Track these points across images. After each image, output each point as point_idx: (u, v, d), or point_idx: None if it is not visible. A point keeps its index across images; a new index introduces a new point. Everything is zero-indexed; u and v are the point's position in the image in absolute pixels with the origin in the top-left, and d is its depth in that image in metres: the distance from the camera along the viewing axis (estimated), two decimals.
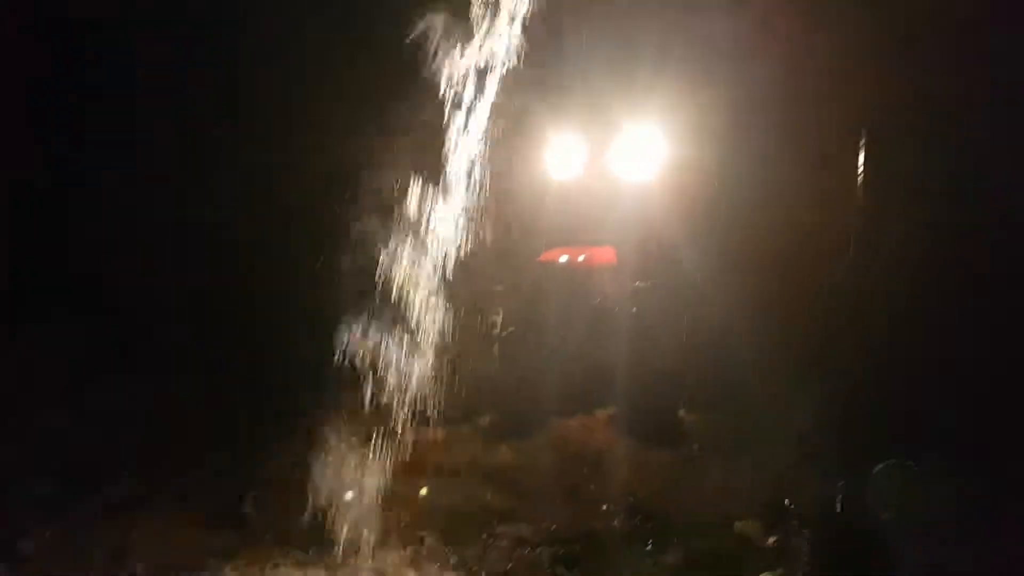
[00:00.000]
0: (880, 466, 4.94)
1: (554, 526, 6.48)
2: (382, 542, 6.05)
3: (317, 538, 6.12)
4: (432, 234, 7.32)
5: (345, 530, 6.00)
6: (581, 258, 10.26)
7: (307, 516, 6.65)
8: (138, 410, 8.95)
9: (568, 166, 10.26)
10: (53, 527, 6.67)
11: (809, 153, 8.98)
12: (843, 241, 7.56)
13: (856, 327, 5.42)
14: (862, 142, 7.66)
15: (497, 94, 7.59)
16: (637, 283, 9.73)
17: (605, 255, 10.24)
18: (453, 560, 5.96)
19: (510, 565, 5.87)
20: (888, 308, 7.17)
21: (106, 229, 9.50)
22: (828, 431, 6.48)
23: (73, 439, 8.19)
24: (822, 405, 7.04)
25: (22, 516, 6.92)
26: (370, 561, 5.77)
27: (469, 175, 7.54)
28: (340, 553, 5.88)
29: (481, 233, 7.68)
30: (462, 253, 7.37)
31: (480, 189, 7.58)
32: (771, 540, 6.00)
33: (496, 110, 7.61)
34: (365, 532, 5.95)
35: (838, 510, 4.96)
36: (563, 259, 10.25)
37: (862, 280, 5.43)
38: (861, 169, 5.11)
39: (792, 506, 6.26)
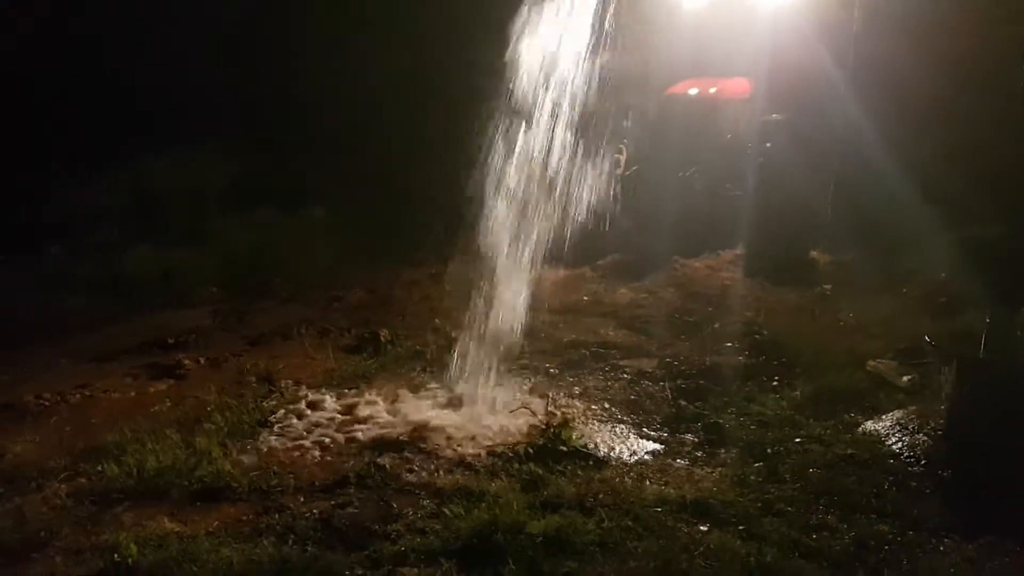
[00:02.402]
0: None
1: (676, 361, 6.47)
2: (507, 371, 6.22)
3: (447, 366, 6.36)
4: (552, 68, 7.01)
5: (472, 359, 6.19)
6: (712, 90, 9.73)
7: (436, 347, 6.94)
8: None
9: None
10: (205, 355, 7.23)
11: None
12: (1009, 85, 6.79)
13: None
14: None
15: None
16: (773, 116, 9.18)
17: (738, 87, 9.67)
18: (577, 390, 6.08)
19: (632, 396, 5.93)
20: None
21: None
22: (975, 268, 6.07)
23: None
24: (971, 242, 6.58)
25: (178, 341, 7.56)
26: (495, 388, 5.96)
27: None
28: (467, 380, 6.10)
29: (606, 65, 7.32)
30: (584, 88, 7.06)
31: (604, 16, 7.15)
32: (906, 379, 5.80)
33: None
34: (491, 362, 6.11)
35: (982, 347, 4.69)
36: (693, 91, 9.76)
37: None
38: None
39: (932, 344, 6.00)
